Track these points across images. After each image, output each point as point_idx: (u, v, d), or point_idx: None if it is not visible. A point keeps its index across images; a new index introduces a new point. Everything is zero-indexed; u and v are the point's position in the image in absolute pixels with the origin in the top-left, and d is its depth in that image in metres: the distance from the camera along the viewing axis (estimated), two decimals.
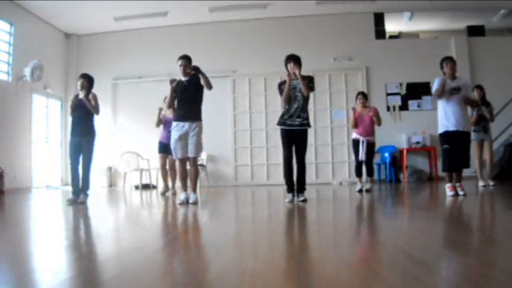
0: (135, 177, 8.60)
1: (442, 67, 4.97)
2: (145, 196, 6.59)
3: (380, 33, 9.42)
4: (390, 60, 9.16)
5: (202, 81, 4.67)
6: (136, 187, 8.58)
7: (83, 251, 2.29)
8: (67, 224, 3.63)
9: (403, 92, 9.11)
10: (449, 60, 4.94)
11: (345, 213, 4.10)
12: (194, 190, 4.81)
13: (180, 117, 4.77)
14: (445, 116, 4.85)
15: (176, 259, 1.98)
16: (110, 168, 9.64)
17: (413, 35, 10.33)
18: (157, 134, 6.77)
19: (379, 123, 6.13)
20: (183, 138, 4.72)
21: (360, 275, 1.63)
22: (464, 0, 8.71)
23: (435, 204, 4.65)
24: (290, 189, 4.73)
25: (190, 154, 4.73)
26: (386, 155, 8.68)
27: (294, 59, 4.76)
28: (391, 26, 9.83)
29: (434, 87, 4.89)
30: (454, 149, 4.78)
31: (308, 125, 4.76)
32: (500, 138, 8.33)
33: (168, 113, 6.20)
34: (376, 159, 8.66)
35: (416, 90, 9.09)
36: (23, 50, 8.37)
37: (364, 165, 6.12)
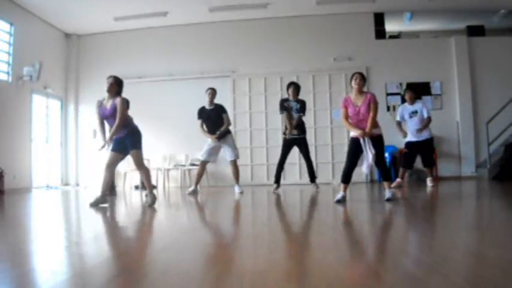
0: (135, 177, 8.60)
1: (404, 95, 6.86)
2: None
3: (380, 33, 9.41)
4: (390, 60, 9.16)
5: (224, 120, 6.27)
6: (137, 187, 8.58)
7: (83, 250, 2.29)
8: (67, 224, 3.63)
9: (403, 92, 9.09)
10: (409, 90, 6.69)
11: (345, 214, 4.09)
12: (237, 183, 6.33)
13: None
14: (407, 130, 6.59)
15: (177, 259, 1.98)
16: None
17: (413, 35, 10.33)
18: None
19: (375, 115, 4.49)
20: (216, 148, 6.33)
21: (360, 274, 1.63)
22: (464, 0, 8.71)
23: (434, 204, 4.65)
24: (276, 181, 6.39)
25: (231, 158, 6.27)
26: (387, 155, 8.67)
27: (294, 86, 6.26)
28: (391, 26, 9.82)
29: (398, 115, 6.80)
30: (412, 154, 6.60)
31: (303, 133, 6.25)
32: (500, 138, 8.33)
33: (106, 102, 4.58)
34: None
35: (416, 90, 9.06)
36: (23, 50, 8.36)
37: (376, 167, 4.63)
